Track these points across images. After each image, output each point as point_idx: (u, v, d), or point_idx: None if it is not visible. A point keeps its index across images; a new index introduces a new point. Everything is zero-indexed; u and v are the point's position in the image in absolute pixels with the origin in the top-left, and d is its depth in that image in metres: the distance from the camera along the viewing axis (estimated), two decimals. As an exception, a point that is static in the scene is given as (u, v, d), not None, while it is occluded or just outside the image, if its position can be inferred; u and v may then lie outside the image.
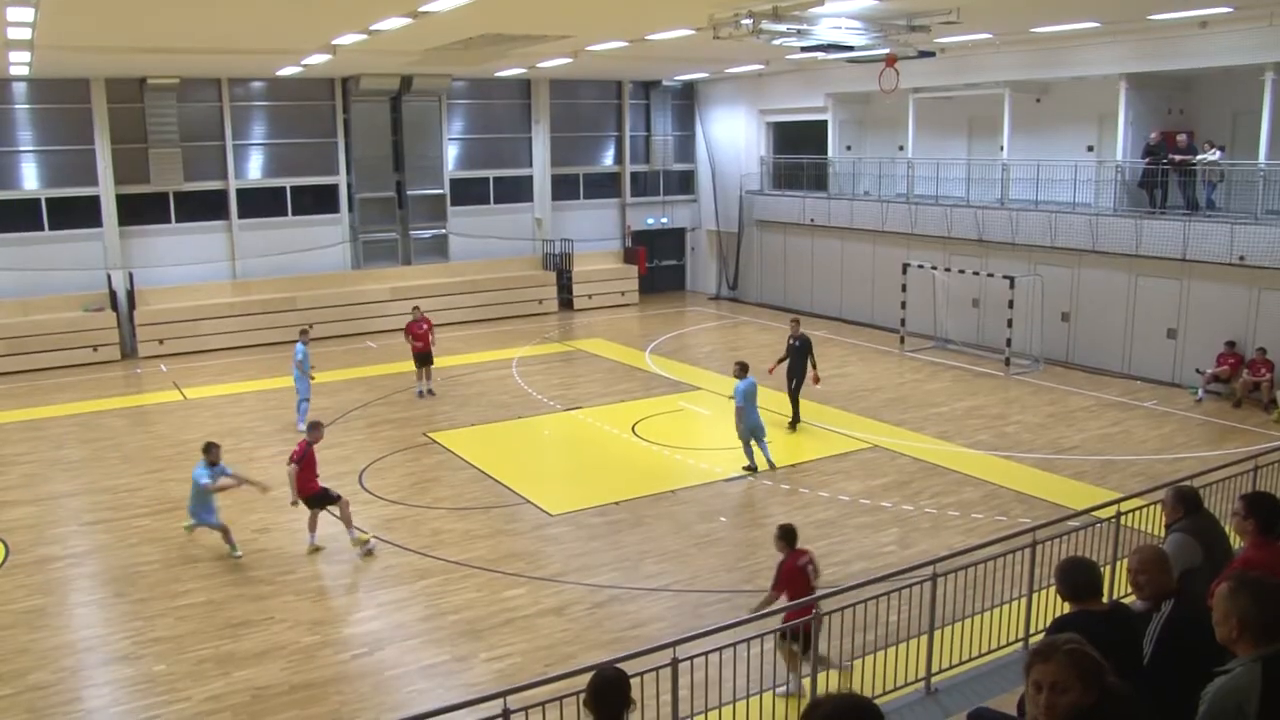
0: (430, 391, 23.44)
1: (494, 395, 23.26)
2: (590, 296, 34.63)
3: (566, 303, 34.40)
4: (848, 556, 13.93)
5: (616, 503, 16.27)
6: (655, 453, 18.56)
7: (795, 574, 10.25)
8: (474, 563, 13.99)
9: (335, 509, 14.77)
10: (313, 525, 14.73)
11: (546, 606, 12.54)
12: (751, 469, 17.63)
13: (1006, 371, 24.23)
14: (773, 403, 19.99)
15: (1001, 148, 26.60)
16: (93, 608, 13.17)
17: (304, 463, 14.51)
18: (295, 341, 21.54)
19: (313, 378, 21.20)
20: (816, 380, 20.03)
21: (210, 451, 14.51)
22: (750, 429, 17.51)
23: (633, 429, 20.13)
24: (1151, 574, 6.14)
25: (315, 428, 15.34)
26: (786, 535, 10.63)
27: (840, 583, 11.10)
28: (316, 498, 14.68)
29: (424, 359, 23.27)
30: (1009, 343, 24.66)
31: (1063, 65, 24.41)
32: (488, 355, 27.48)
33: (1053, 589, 7.34)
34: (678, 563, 13.84)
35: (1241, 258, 21.03)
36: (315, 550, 14.56)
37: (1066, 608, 6.29)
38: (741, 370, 17.66)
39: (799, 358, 20.01)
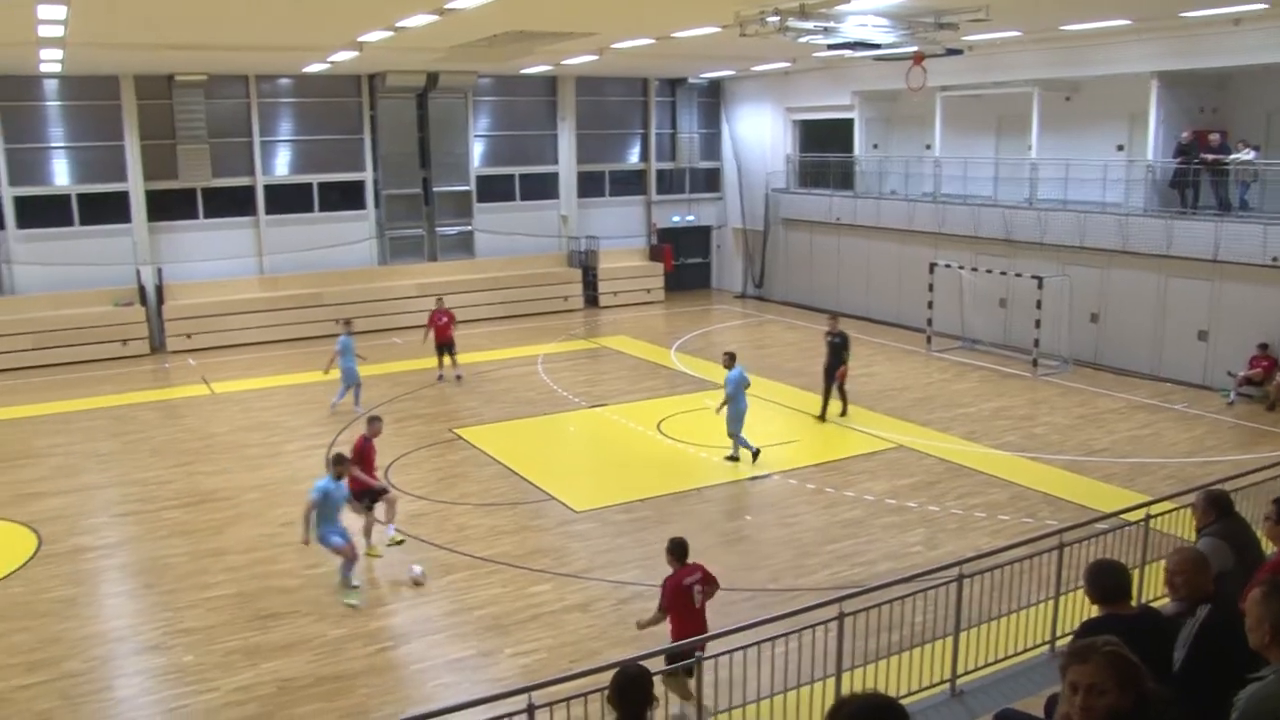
0: (458, 377, 24.21)
1: (520, 392, 23.33)
2: (615, 294, 34.66)
3: (592, 300, 34.45)
4: (874, 556, 13.91)
5: (642, 500, 16.29)
6: (680, 450, 18.57)
7: (678, 592, 9.77)
8: (499, 558, 14.05)
9: (379, 506, 14.72)
10: (385, 517, 14.72)
11: (571, 603, 12.59)
12: (735, 459, 17.99)
13: (1034, 372, 24.11)
14: (775, 393, 19.94)
15: (1030, 146, 26.44)
16: (123, 598, 13.33)
17: (359, 456, 14.47)
18: (336, 335, 22.13)
19: (325, 372, 22.00)
20: (844, 375, 20.29)
21: (340, 464, 13.29)
22: (738, 416, 17.78)
23: (658, 426, 20.16)
24: (1189, 575, 6.10)
25: (373, 422, 15.17)
26: (675, 549, 10.11)
27: (866, 583, 11.10)
28: (366, 493, 14.48)
29: (445, 348, 24.21)
30: (1037, 343, 24.52)
31: (1093, 63, 24.25)
32: (513, 352, 27.55)
33: (1080, 592, 7.32)
34: (703, 560, 13.61)
35: (1275, 259, 20.84)
36: (397, 542, 14.58)
37: (1095, 610, 6.27)
38: (730, 360, 18.01)
39: (835, 353, 20.36)
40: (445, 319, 24.27)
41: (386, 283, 31.29)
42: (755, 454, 17.97)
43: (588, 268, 34.54)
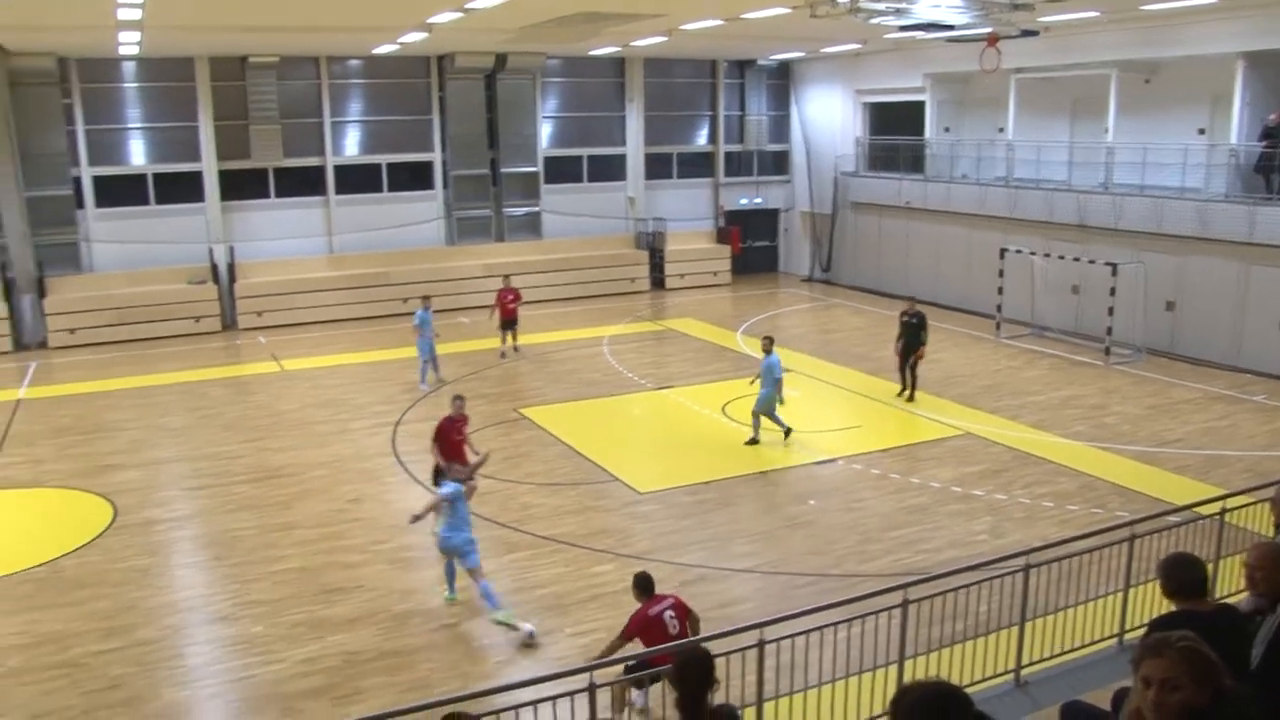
0: (515, 349, 24.98)
1: (585, 373, 23.42)
2: (682, 276, 34.62)
3: (658, 282, 34.45)
4: (939, 544, 13.80)
5: (706, 482, 16.29)
6: (745, 434, 18.49)
7: (647, 623, 9.44)
8: (562, 538, 14.14)
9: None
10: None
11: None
12: (789, 431, 18.14)
13: (1106, 361, 23.70)
14: (841, 377, 19.76)
15: (1106, 130, 25.94)
16: (194, 569, 13.62)
17: (440, 437, 14.49)
18: (410, 313, 22.84)
19: (436, 335, 22.44)
20: (920, 357, 20.57)
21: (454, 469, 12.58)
22: (764, 399, 17.94)
23: (723, 409, 20.12)
24: (1269, 570, 5.95)
25: (456, 400, 15.03)
26: (638, 583, 9.88)
27: (930, 570, 11.00)
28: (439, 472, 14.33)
29: (509, 324, 24.79)
30: (1109, 331, 24.08)
31: (1174, 44, 23.68)
32: (579, 333, 27.65)
33: (1151, 585, 7.18)
34: (766, 544, 13.85)
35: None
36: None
37: (1168, 605, 6.15)
38: (769, 345, 18.18)
39: (912, 333, 20.53)
40: (512, 297, 24.82)
41: (454, 263, 31.53)
42: (787, 433, 18.16)
43: (654, 249, 34.54)
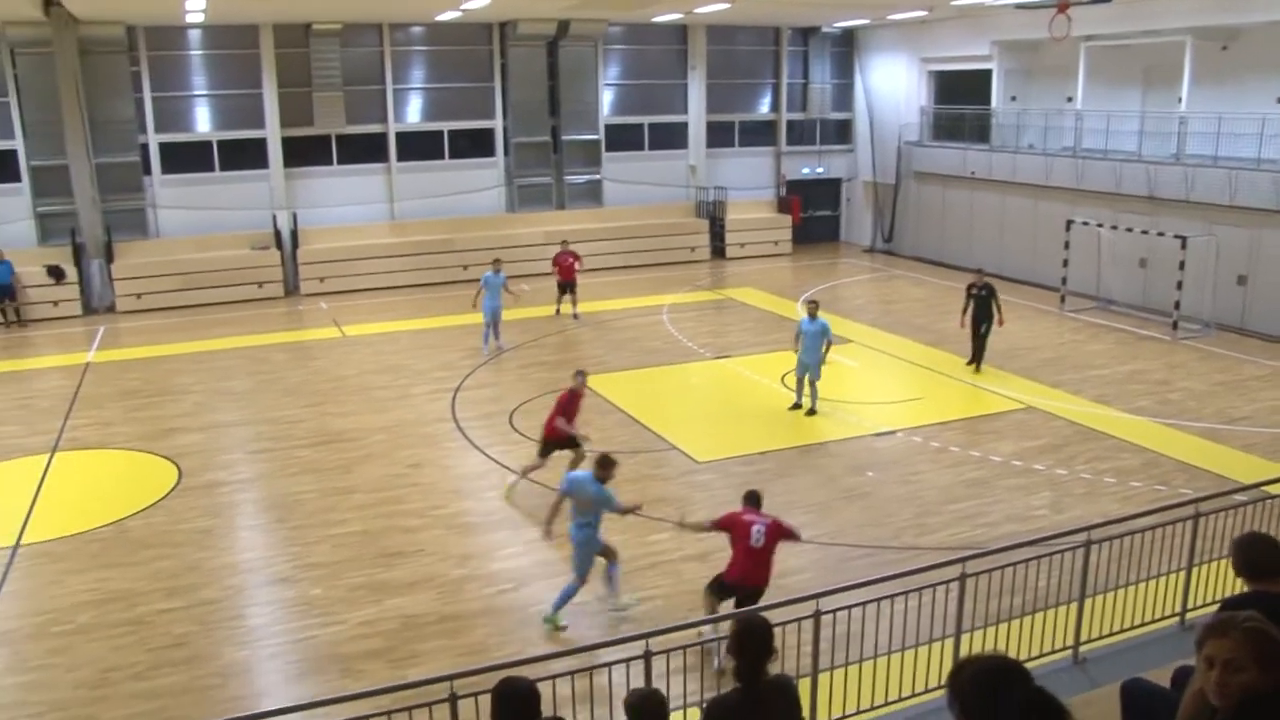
0: (575, 316, 25.37)
1: (644, 341, 23.46)
2: (743, 245, 34.49)
3: (719, 251, 34.35)
4: (997, 518, 13.70)
5: (763, 453, 16.28)
6: (804, 405, 18.43)
7: (735, 523, 10.31)
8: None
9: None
10: (528, 471, 14.70)
11: (690, 553, 12.63)
12: (799, 406, 18.31)
13: (1173, 335, 23.31)
14: (902, 349, 19.61)
15: (1180, 99, 25.38)
16: (256, 531, 13.88)
17: (561, 408, 14.38)
18: (482, 276, 22.82)
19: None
20: (1001, 322, 20.59)
21: (606, 468, 11.16)
22: (809, 366, 18.01)
23: (782, 380, 20.05)
24: None
25: (579, 375, 14.81)
26: (747, 496, 10.75)
27: (988, 544, 10.94)
28: (554, 443, 14.48)
29: (566, 286, 25.37)
30: (1178, 305, 23.65)
31: (1256, 8, 23.02)
32: (639, 301, 27.68)
33: (1215, 565, 7.09)
34: (823, 515, 13.83)
35: None
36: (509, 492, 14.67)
37: (1235, 585, 6.05)
38: (814, 309, 18.27)
39: (982, 305, 20.43)
40: (571, 259, 25.20)
41: (515, 230, 31.63)
42: (796, 406, 18.31)
43: (715, 218, 34.41)
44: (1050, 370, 20.74)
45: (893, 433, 17.23)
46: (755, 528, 10.17)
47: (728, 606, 10.18)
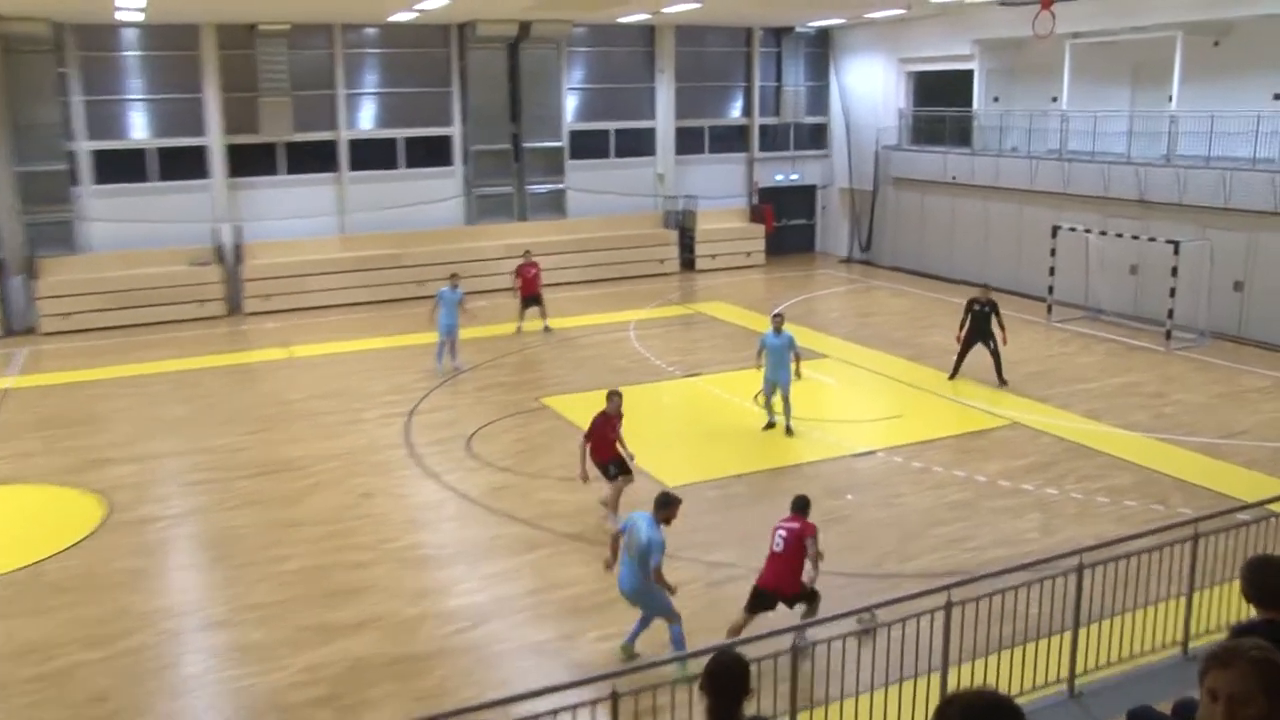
0: (547, 329, 25.32)
1: (610, 359, 23.32)
2: (714, 257, 34.44)
3: (688, 263, 34.27)
4: (984, 542, 13.62)
5: (736, 475, 16.17)
6: (778, 424, 18.34)
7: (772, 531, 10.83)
8: (584, 535, 14.03)
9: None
10: (613, 503, 14.38)
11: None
12: (773, 425, 18.25)
13: (1167, 345, 23.38)
14: (881, 364, 19.58)
15: (1170, 98, 25.52)
16: (191, 571, 13.60)
17: (594, 434, 14.22)
18: (438, 292, 22.64)
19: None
20: (1005, 341, 20.61)
21: (666, 507, 10.73)
22: (778, 383, 17.95)
23: (755, 398, 19.88)
24: None
25: (612, 397, 14.55)
26: (795, 501, 11.06)
27: (975, 570, 10.83)
28: (614, 464, 14.38)
29: (532, 301, 25.32)
30: (1171, 314, 23.71)
31: (1247, 1, 23.19)
32: (604, 317, 27.54)
33: (1219, 588, 6.98)
34: None
35: None
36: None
37: (1241, 610, 5.94)
38: (780, 321, 18.18)
39: (982, 322, 20.52)
40: (534, 271, 25.21)
41: (474, 243, 31.42)
42: (770, 425, 18.27)
43: (684, 229, 34.35)
44: (1038, 384, 20.73)
45: (872, 453, 17.15)
46: (779, 532, 10.67)
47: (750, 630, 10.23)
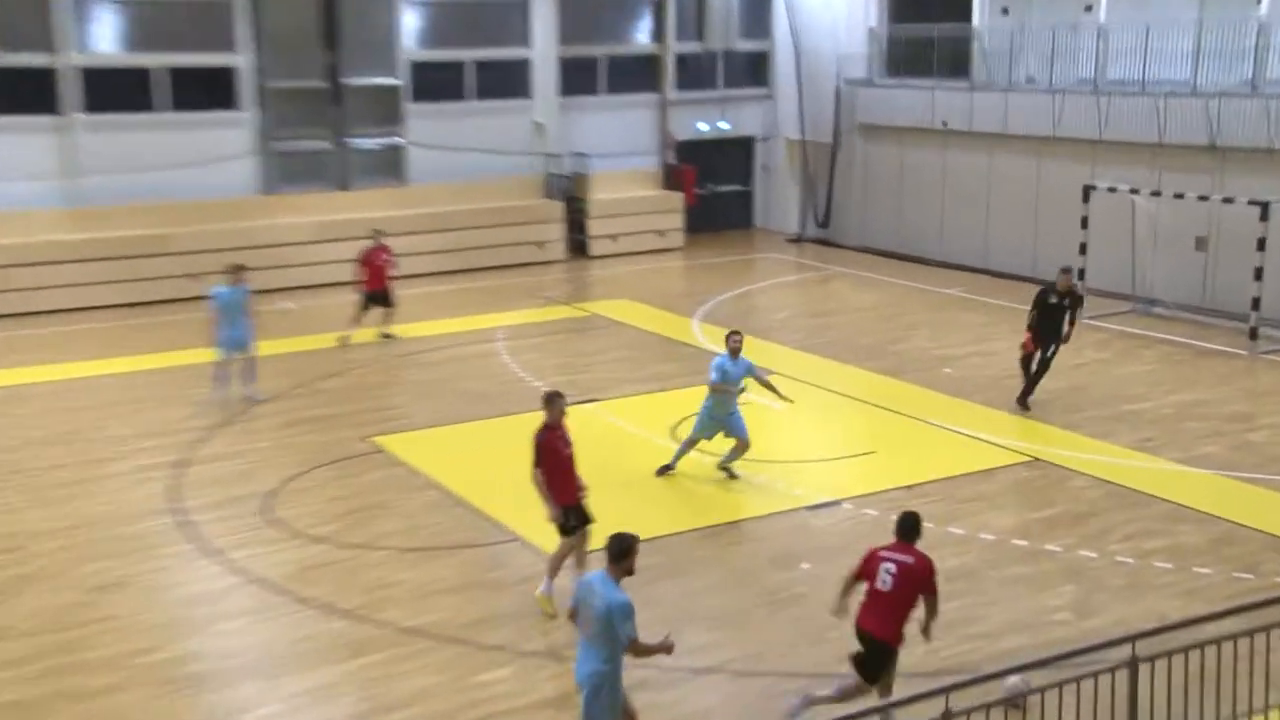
0: (385, 335, 25.79)
1: (470, 381, 23.38)
2: (614, 238, 34.85)
3: (579, 246, 34.72)
4: (994, 626, 13.66)
5: (650, 540, 15.94)
6: (707, 466, 18.38)
7: (870, 562, 11.15)
8: (434, 630, 13.82)
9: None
10: (554, 565, 14.43)
11: (542, 697, 12.37)
12: (670, 469, 18.48)
13: (1251, 348, 23.89)
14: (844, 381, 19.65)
15: (1259, 2, 25.88)
16: None
17: (546, 457, 14.15)
18: (213, 291, 22.05)
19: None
20: (1067, 338, 20.80)
21: (627, 556, 10.80)
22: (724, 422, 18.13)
23: (673, 432, 20.00)
24: None
25: (553, 400, 14.38)
26: (902, 521, 11.36)
27: (983, 667, 10.82)
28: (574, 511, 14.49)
29: (378, 299, 25.54)
30: (1256, 304, 24.09)
31: None
32: (461, 323, 27.70)
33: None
34: (737, 631, 13.74)
35: None
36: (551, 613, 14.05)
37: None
38: (739, 341, 18.19)
39: (1057, 319, 20.67)
40: (385, 257, 25.46)
41: (271, 219, 31.40)
42: (668, 468, 18.45)
43: (573, 199, 34.69)
44: (1065, 405, 21.04)
45: (836, 503, 17.21)
46: (885, 564, 10.98)
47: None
